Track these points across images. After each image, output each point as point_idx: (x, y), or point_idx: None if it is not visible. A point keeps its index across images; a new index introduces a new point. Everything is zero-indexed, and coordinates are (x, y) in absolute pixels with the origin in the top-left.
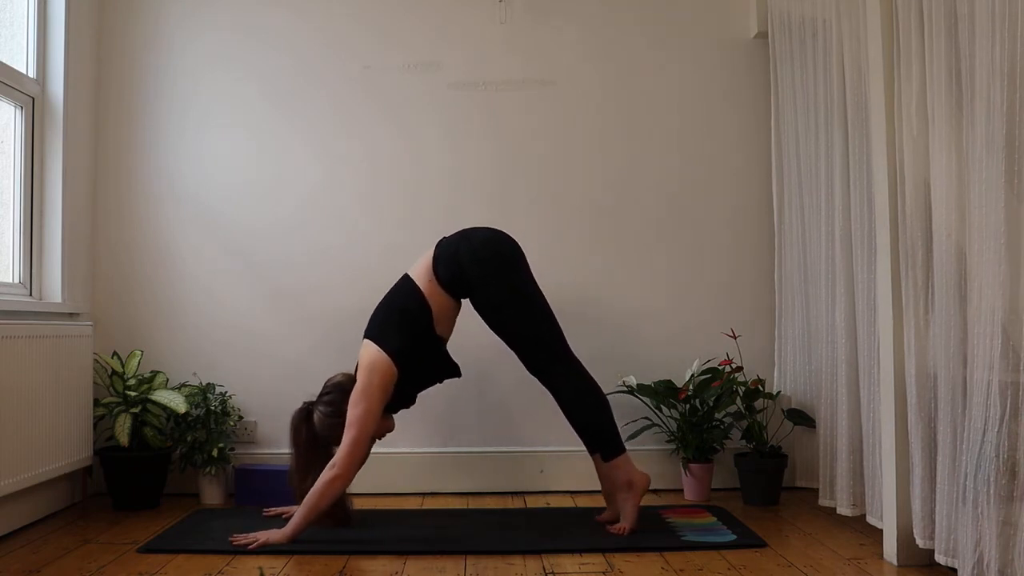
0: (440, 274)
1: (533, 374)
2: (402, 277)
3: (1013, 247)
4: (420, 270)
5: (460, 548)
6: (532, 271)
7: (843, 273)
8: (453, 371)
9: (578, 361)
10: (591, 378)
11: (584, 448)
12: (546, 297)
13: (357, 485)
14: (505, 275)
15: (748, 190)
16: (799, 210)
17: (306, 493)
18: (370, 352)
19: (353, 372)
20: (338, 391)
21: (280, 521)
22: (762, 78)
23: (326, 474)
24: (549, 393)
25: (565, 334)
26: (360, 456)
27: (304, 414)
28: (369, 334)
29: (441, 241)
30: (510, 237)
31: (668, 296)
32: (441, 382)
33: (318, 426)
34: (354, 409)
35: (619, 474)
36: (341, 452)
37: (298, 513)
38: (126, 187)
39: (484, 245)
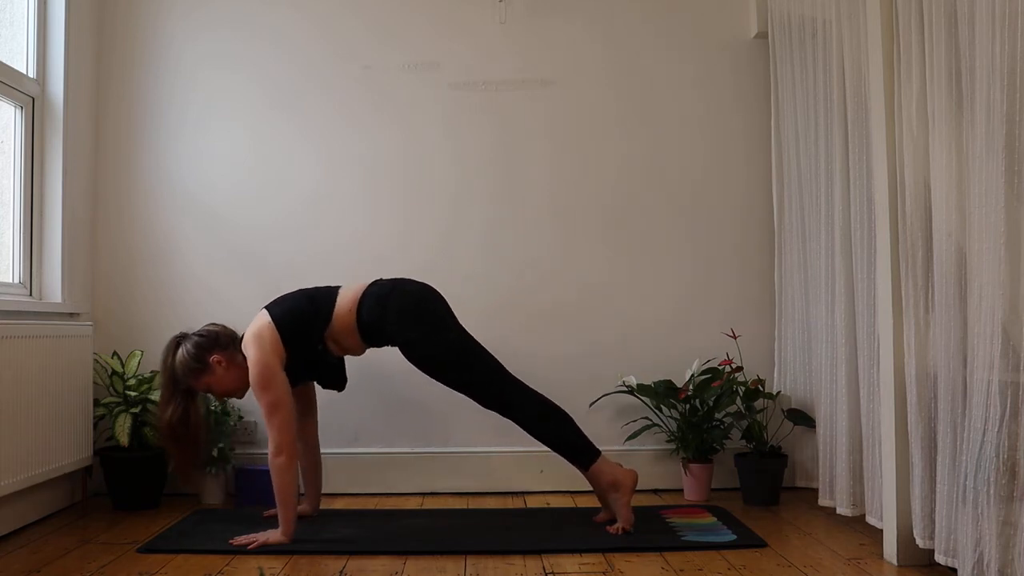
0: (363, 315)
1: (490, 410)
2: (335, 286)
3: (1013, 247)
4: (347, 298)
5: (460, 548)
6: (530, 273)
7: (843, 273)
8: (335, 382)
9: (524, 387)
10: (542, 400)
11: None
12: (546, 297)
13: (358, 485)
14: (438, 333)
15: (748, 190)
16: (799, 210)
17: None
18: (259, 321)
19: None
20: (210, 339)
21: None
22: (762, 78)
23: (275, 462)
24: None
25: (565, 333)
26: (293, 428)
27: (174, 345)
28: (267, 305)
29: (377, 281)
30: (438, 293)
31: (668, 296)
32: (322, 386)
33: (177, 360)
34: (266, 394)
35: (602, 477)
36: (276, 437)
37: (280, 511)
38: (126, 187)
39: (416, 303)
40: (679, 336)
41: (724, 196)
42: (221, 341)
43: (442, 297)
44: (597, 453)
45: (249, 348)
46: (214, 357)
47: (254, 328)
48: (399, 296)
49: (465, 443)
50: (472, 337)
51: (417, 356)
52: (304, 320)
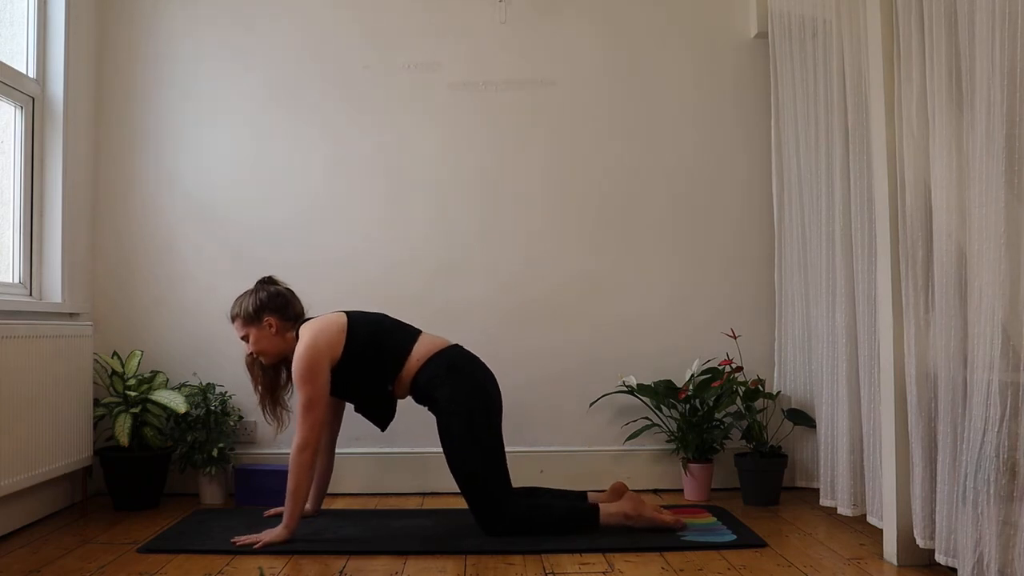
0: (427, 369)
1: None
2: (416, 330)
3: (1013, 247)
4: (423, 348)
5: (460, 548)
6: (530, 273)
7: (843, 273)
8: (380, 418)
9: (519, 501)
10: (527, 506)
11: (584, 448)
12: (546, 297)
13: (358, 485)
14: (483, 414)
15: (748, 190)
16: (799, 210)
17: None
18: (331, 317)
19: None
20: (278, 302)
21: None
22: (762, 78)
23: (299, 458)
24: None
25: (566, 333)
26: (321, 424)
27: (254, 287)
28: (349, 311)
29: (457, 346)
30: (500, 392)
31: (668, 296)
32: (366, 417)
33: (246, 301)
34: (307, 387)
35: (615, 520)
36: (306, 434)
37: (288, 504)
38: (126, 187)
39: (482, 380)
40: (679, 336)
41: (724, 196)
42: (287, 311)
43: (501, 398)
44: (594, 511)
45: (306, 334)
46: (268, 319)
47: (323, 320)
48: (476, 368)
49: None
50: (503, 444)
51: (446, 421)
52: (384, 350)
